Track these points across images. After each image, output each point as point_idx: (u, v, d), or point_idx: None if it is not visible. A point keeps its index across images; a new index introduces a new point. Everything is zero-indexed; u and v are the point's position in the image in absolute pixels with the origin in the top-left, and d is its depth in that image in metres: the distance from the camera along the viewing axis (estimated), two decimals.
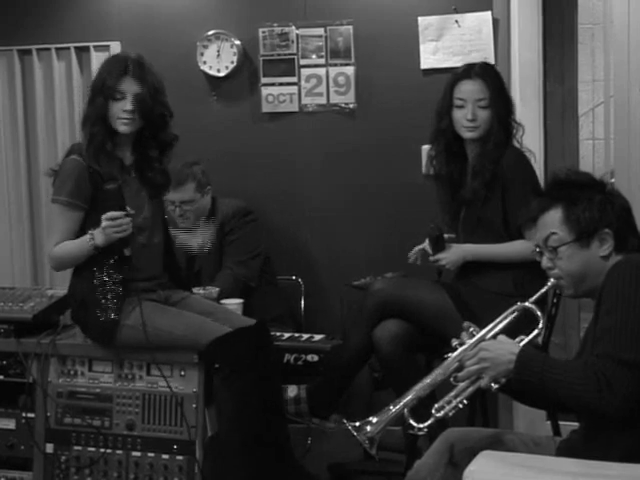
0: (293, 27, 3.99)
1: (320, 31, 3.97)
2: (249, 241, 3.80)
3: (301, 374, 3.33)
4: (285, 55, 4.01)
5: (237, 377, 2.93)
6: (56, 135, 4.31)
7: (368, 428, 2.29)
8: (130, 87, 2.94)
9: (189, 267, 3.80)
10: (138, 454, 3.06)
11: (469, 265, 3.23)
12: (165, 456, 3.04)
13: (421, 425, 2.27)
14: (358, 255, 3.99)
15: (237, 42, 4.04)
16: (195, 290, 3.40)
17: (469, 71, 3.24)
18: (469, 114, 3.19)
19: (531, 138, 3.32)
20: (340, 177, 4.03)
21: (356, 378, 3.36)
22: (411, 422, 2.28)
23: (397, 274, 3.53)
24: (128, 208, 2.92)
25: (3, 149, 4.41)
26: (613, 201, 2.23)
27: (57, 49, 4.27)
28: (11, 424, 3.21)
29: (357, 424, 2.31)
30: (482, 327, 2.31)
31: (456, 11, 3.81)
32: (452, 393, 2.27)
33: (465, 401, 2.25)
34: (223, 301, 3.40)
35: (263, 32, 4.01)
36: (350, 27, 3.94)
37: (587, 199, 2.21)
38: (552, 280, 2.28)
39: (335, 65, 3.98)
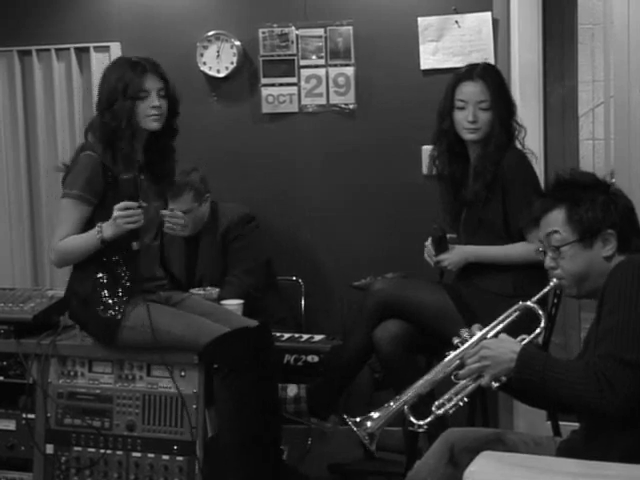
0: (293, 28, 3.99)
1: (320, 32, 3.97)
2: (255, 248, 3.80)
3: (301, 374, 3.34)
4: (285, 56, 4.01)
5: (236, 377, 2.93)
6: (56, 136, 4.31)
7: (368, 424, 2.29)
8: (153, 84, 2.97)
9: (189, 273, 3.78)
10: (138, 455, 3.06)
11: (470, 266, 3.23)
12: (165, 457, 3.03)
13: (421, 422, 2.27)
14: (358, 255, 3.99)
15: (237, 43, 4.04)
16: (195, 291, 3.40)
17: (471, 72, 3.23)
18: (470, 116, 3.18)
19: (531, 138, 3.32)
20: (340, 177, 4.04)
21: (356, 378, 3.37)
22: (411, 419, 2.28)
23: (397, 274, 3.53)
24: (141, 201, 2.92)
25: (3, 149, 4.41)
26: (616, 201, 2.24)
27: (57, 50, 4.27)
28: (11, 425, 3.21)
29: (358, 420, 2.31)
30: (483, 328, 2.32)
31: (456, 11, 3.81)
32: (452, 391, 2.27)
33: (465, 399, 2.26)
34: (223, 302, 3.40)
35: (263, 33, 4.01)
36: (350, 28, 3.94)
37: (590, 199, 2.21)
38: (555, 280, 2.29)
39: (335, 66, 3.98)
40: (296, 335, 3.51)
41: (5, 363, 3.20)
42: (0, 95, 4.38)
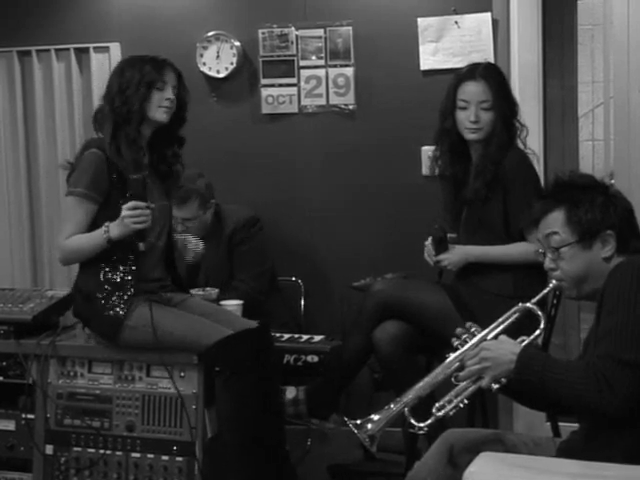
0: (293, 28, 3.99)
1: (320, 32, 3.97)
2: (260, 252, 3.79)
3: (301, 375, 3.33)
4: (285, 56, 4.01)
5: (237, 379, 2.93)
6: (56, 136, 4.31)
7: (369, 426, 2.30)
8: (171, 78, 3.04)
9: (192, 274, 3.78)
10: (138, 455, 3.06)
11: (470, 266, 3.23)
12: (165, 457, 3.03)
13: (422, 424, 2.27)
14: (358, 256, 3.99)
15: (237, 43, 4.04)
16: (194, 291, 3.39)
17: (473, 72, 3.22)
18: (472, 116, 3.18)
19: (531, 139, 3.32)
20: (340, 178, 4.04)
21: (356, 379, 3.37)
22: (412, 421, 2.28)
23: (397, 275, 3.53)
24: (149, 202, 2.92)
25: (3, 150, 4.41)
26: (615, 203, 2.24)
27: (57, 50, 4.27)
28: (11, 425, 3.21)
29: (358, 422, 2.32)
30: (482, 328, 2.32)
31: (456, 12, 3.81)
32: (453, 392, 2.27)
33: (466, 400, 2.26)
34: (222, 302, 3.39)
35: (263, 33, 4.01)
36: (350, 28, 3.94)
37: (589, 201, 2.22)
38: (554, 281, 2.29)
39: (335, 66, 3.98)
40: (296, 335, 3.51)
41: (5, 363, 3.20)
42: (0, 95, 4.38)
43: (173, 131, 3.11)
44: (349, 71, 3.97)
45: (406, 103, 3.91)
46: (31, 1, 4.30)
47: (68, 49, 4.25)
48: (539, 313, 2.31)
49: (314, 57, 3.99)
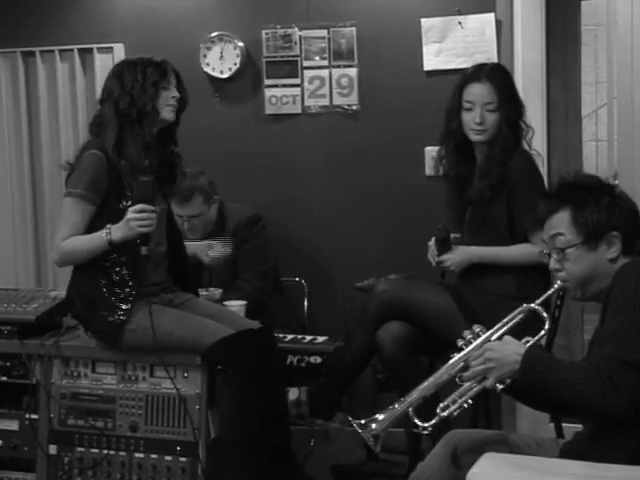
0: (296, 29, 4.00)
1: (323, 33, 3.97)
2: (264, 250, 3.80)
3: (304, 376, 3.33)
4: (288, 57, 4.01)
5: (239, 378, 2.93)
6: (59, 136, 4.32)
7: (373, 426, 2.30)
8: (172, 77, 3.04)
9: (197, 274, 3.78)
10: (141, 455, 3.06)
11: (473, 267, 3.23)
12: (168, 457, 3.03)
13: (426, 424, 2.27)
14: (361, 256, 3.99)
15: (240, 44, 4.04)
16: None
17: (478, 73, 3.21)
18: (477, 117, 3.17)
19: (534, 139, 3.31)
20: (343, 178, 4.04)
21: (359, 379, 3.36)
22: (416, 421, 2.28)
23: (400, 276, 3.53)
24: (156, 206, 2.91)
25: (7, 150, 4.42)
26: (621, 204, 2.24)
27: (60, 51, 4.28)
28: (14, 425, 3.21)
29: (362, 421, 2.32)
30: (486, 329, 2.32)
31: (459, 13, 3.81)
32: (457, 393, 2.27)
33: (470, 401, 2.26)
34: (226, 302, 3.40)
35: (266, 34, 4.02)
36: (353, 29, 3.94)
37: (595, 202, 2.22)
38: (559, 282, 2.29)
39: (338, 67, 3.98)
40: (299, 336, 3.51)
41: (8, 364, 3.20)
42: (4, 96, 4.39)
43: (172, 131, 3.10)
44: (352, 72, 3.97)
45: (409, 104, 3.90)
46: (35, 2, 4.31)
47: (72, 50, 4.26)
48: (544, 314, 2.31)
49: (317, 58, 4.00)
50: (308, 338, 3.49)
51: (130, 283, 2.97)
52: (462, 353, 2.28)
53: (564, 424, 3.07)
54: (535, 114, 3.65)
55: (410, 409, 2.29)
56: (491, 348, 2.20)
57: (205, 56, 4.08)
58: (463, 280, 3.28)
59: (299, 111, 4.04)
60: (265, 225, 3.85)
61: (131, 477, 3.06)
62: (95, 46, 4.22)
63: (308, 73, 4.02)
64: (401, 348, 3.14)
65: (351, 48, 3.95)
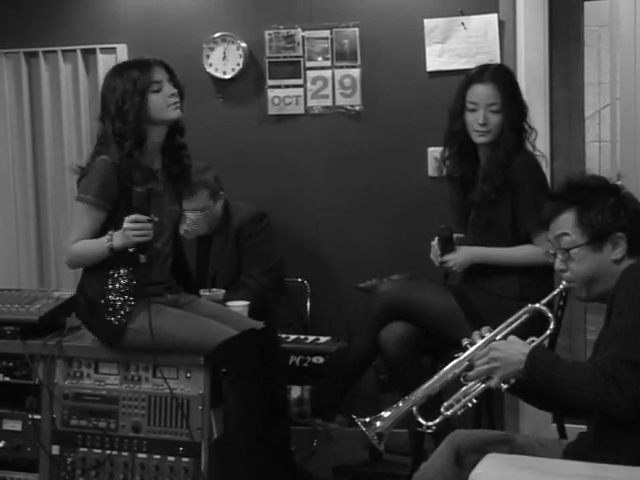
0: (299, 29, 4.00)
1: (326, 33, 3.97)
2: (268, 247, 3.80)
3: (306, 376, 3.33)
4: (291, 57, 4.01)
5: (244, 380, 2.93)
6: (62, 137, 4.32)
7: (378, 424, 2.30)
8: (162, 75, 3.00)
9: (202, 271, 3.78)
10: (144, 456, 3.06)
11: (475, 268, 3.23)
12: (171, 458, 3.03)
13: (430, 423, 2.28)
14: (364, 257, 3.99)
15: (243, 44, 4.04)
16: (200, 292, 3.39)
17: (482, 74, 3.21)
18: (480, 118, 3.17)
19: (537, 140, 3.31)
20: (345, 179, 4.03)
21: (362, 380, 3.36)
22: (420, 420, 2.28)
23: (403, 276, 3.53)
24: (152, 215, 2.92)
25: (10, 151, 4.41)
26: (626, 205, 2.24)
27: (63, 51, 4.27)
28: (17, 426, 3.21)
29: (367, 420, 2.32)
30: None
31: (462, 13, 3.81)
32: (461, 392, 2.27)
33: (474, 400, 2.26)
34: (229, 303, 3.40)
35: (269, 34, 4.02)
36: (356, 29, 3.94)
37: (600, 202, 2.22)
38: (564, 282, 2.29)
39: (341, 67, 3.98)
40: (302, 337, 3.52)
41: (11, 364, 3.20)
42: (7, 96, 4.39)
43: (180, 126, 3.09)
44: (355, 72, 3.97)
45: (412, 104, 3.90)
46: (38, 2, 4.31)
47: (75, 50, 4.26)
48: (548, 314, 2.31)
49: (320, 58, 4.00)
50: (310, 338, 3.49)
51: (132, 290, 2.98)
52: (467, 352, 2.28)
53: (567, 425, 3.07)
54: (538, 115, 3.64)
55: (414, 408, 2.29)
56: (496, 348, 2.20)
57: (208, 57, 4.08)
58: (466, 281, 3.29)
59: (302, 112, 4.04)
60: (270, 222, 3.85)
61: (134, 477, 3.06)
62: (98, 47, 4.22)
63: (311, 74, 4.02)
64: (404, 349, 3.14)
65: (354, 49, 3.95)
